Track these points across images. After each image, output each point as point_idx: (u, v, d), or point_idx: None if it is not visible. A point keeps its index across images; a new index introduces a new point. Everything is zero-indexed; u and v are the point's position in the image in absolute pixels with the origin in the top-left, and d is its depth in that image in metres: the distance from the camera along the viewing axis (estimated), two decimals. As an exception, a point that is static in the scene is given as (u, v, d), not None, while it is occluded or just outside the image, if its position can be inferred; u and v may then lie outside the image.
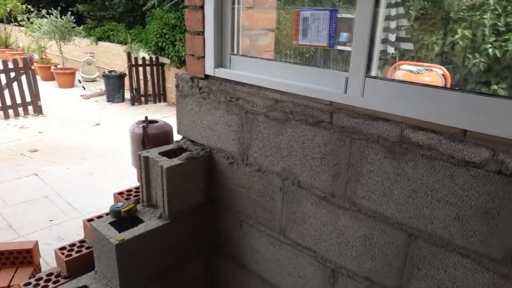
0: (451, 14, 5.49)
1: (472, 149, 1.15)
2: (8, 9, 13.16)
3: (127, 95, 9.98)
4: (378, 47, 1.34)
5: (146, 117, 2.25)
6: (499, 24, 5.22)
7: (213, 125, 1.99)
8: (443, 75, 4.83)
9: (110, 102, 9.72)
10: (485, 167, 1.14)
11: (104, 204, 3.75)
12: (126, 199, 2.22)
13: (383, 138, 1.35)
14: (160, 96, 10.02)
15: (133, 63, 9.63)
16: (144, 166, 2.03)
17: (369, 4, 1.30)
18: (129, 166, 4.90)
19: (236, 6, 1.83)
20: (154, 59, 9.74)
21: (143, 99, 9.82)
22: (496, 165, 1.12)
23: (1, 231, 3.24)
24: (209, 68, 1.93)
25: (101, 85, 10.77)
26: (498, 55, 5.15)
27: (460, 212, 1.21)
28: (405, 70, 4.68)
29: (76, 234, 3.24)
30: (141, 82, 9.76)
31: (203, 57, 1.94)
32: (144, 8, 10.75)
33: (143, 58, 9.75)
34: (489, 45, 5.21)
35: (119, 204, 2.03)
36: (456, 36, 5.38)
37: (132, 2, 12.56)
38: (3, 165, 4.79)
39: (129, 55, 9.71)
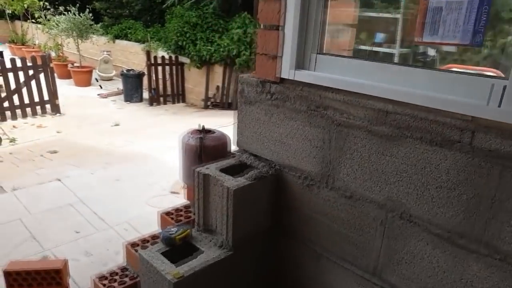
0: (503, 14, 5.07)
1: None
2: (25, 5, 13.01)
3: (145, 94, 9.73)
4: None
5: (203, 127, 1.93)
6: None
7: (286, 138, 1.66)
8: (496, 80, 4.42)
9: (128, 102, 9.47)
10: None
11: (132, 213, 3.45)
12: (176, 221, 1.90)
13: (558, 169, 1.01)
14: (179, 96, 9.75)
15: (152, 62, 9.37)
16: (203, 185, 1.71)
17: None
18: (157, 172, 4.60)
19: (325, -5, 1.50)
20: (173, 58, 9.47)
21: (161, 99, 9.55)
22: None
23: (25, 244, 2.95)
24: (286, 70, 1.60)
25: (118, 84, 10.52)
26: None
27: None
28: (454, 75, 4.31)
29: (105, 248, 2.93)
30: (160, 81, 9.50)
31: (279, 56, 1.61)
32: (163, 6, 10.49)
33: (162, 57, 9.48)
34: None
35: (172, 229, 1.71)
36: (509, 38, 4.97)
37: (149, 0, 12.33)
38: (23, 167, 4.52)
39: (148, 53, 9.45)
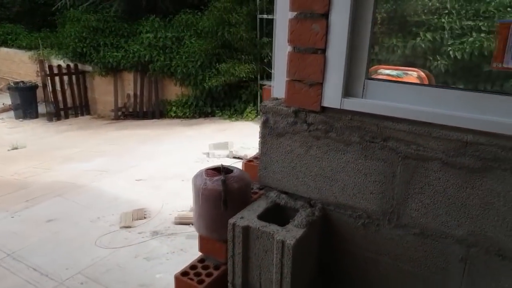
0: (412, 17, 5.52)
1: None
2: None
3: (42, 109, 8.58)
4: None
5: (222, 165, 1.63)
6: (456, 27, 5.36)
7: (332, 172, 1.48)
8: (420, 77, 4.81)
9: (21, 119, 8.25)
10: None
11: (84, 261, 2.90)
12: (198, 282, 1.58)
13: None
14: (82, 108, 8.81)
15: (48, 71, 8.28)
16: (243, 239, 1.43)
17: None
18: (95, 204, 3.95)
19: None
20: (72, 66, 8.49)
21: (62, 113, 8.52)
22: None
23: None
24: (332, 98, 1.41)
25: (4, 99, 9.08)
26: (458, 56, 5.28)
27: None
28: (384, 75, 4.57)
29: (63, 315, 2.40)
30: (59, 93, 8.45)
31: (320, 83, 1.42)
32: (53, 9, 9.33)
33: (59, 66, 8.44)
34: (450, 48, 5.32)
35: (212, 299, 1.41)
36: (418, 39, 5.42)
37: (30, 1, 10.91)
38: None
39: (41, 62, 8.33)
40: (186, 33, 7.66)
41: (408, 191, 1.36)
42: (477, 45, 4.69)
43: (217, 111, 7.47)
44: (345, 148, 1.43)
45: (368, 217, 1.46)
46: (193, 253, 3.21)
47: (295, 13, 1.40)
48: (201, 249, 1.71)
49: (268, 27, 6.62)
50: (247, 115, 6.98)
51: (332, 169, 1.48)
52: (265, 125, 1.58)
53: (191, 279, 1.60)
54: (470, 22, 4.82)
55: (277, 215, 1.55)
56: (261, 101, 7.19)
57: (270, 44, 6.52)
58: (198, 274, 1.62)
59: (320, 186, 1.52)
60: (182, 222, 3.57)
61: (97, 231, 3.29)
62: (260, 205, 1.56)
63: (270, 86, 1.91)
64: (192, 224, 3.66)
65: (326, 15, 1.34)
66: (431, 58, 5.45)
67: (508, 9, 4.48)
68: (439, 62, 5.41)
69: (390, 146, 1.35)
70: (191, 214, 3.68)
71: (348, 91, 1.41)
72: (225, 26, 6.79)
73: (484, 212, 1.25)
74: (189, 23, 7.64)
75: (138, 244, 3.24)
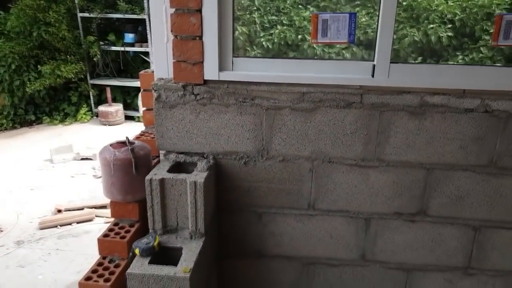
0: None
1: (469, 100, 1.84)
2: None
3: None
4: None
5: (127, 138, 1.89)
6: (264, 21, 6.45)
7: (218, 129, 1.97)
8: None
9: None
10: (477, 110, 1.85)
11: None
12: (122, 237, 1.83)
13: (407, 105, 1.87)
14: None
15: None
16: (160, 190, 1.80)
17: (394, 3, 1.75)
18: None
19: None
20: None
21: None
22: (483, 107, 1.84)
23: None
24: (211, 72, 1.89)
25: None
26: (270, 46, 6.36)
27: (463, 143, 1.90)
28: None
29: None
30: None
31: (201, 62, 1.88)
32: None
33: None
34: (262, 39, 6.37)
35: (143, 241, 1.75)
36: (237, 32, 6.30)
37: None
38: None
39: None
40: (-12, 34, 6.80)
41: (272, 132, 1.96)
42: (282, 36, 5.78)
43: (44, 118, 6.96)
44: (226, 109, 1.94)
45: (248, 156, 2.01)
46: (71, 249, 3.29)
47: (175, 9, 1.82)
48: (114, 215, 1.98)
49: (92, 26, 6.52)
50: (81, 117, 6.76)
51: (218, 127, 1.97)
52: (158, 101, 1.95)
53: (114, 237, 1.87)
54: (274, 17, 5.87)
55: (179, 170, 1.96)
56: (94, 101, 7.05)
57: (97, 43, 6.46)
58: (118, 233, 1.90)
59: (210, 141, 2.00)
60: (48, 226, 3.50)
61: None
62: (164, 165, 1.94)
63: (146, 72, 2.27)
64: (60, 226, 3.64)
65: (200, 10, 1.81)
66: (249, 49, 6.39)
67: (300, 5, 5.69)
68: (255, 52, 6.38)
69: (257, 103, 1.93)
70: (57, 216, 3.64)
71: (222, 66, 1.92)
72: (41, 26, 6.37)
73: (318, 137, 1.95)
74: (-10, 23, 6.80)
75: (4, 256, 3.10)
